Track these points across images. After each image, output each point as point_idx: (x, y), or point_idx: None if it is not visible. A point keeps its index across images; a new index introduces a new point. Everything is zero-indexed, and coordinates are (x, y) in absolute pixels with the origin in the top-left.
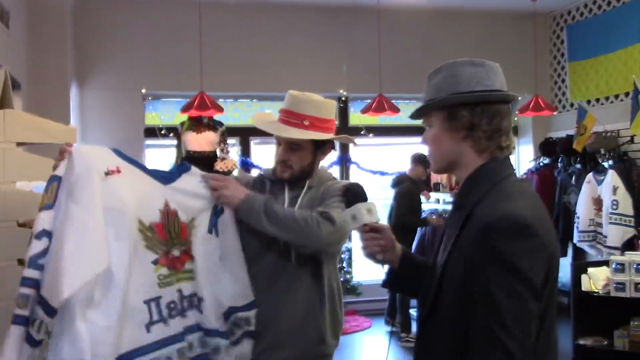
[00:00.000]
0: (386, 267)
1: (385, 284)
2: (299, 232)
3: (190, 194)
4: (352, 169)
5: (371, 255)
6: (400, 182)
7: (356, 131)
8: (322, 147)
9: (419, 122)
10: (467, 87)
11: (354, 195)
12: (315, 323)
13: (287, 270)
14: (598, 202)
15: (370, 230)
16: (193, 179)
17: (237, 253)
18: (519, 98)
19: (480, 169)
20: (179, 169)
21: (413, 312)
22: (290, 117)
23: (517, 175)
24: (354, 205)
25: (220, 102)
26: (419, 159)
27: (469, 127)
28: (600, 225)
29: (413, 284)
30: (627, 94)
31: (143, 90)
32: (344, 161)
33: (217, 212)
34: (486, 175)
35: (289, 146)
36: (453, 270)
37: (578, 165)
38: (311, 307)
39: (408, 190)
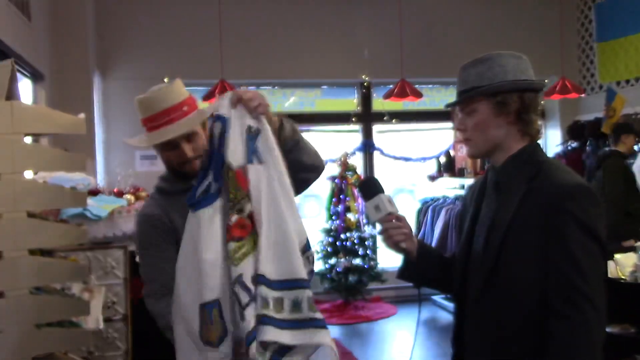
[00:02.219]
0: (401, 257)
1: (402, 274)
2: (321, 158)
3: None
4: (376, 155)
5: (396, 243)
6: (607, 158)
7: (379, 117)
8: (203, 122)
9: (442, 107)
10: (515, 75)
11: (374, 187)
12: None
13: None
14: None
15: (396, 219)
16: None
17: (287, 179)
18: (546, 81)
19: (525, 149)
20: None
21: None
22: (169, 114)
23: None
24: (372, 196)
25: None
26: (627, 128)
27: (522, 110)
28: None
29: (430, 274)
30: None
31: (165, 79)
32: (368, 147)
33: (251, 135)
34: (532, 155)
35: (187, 139)
36: (519, 242)
37: (607, 149)
38: None
39: (619, 167)
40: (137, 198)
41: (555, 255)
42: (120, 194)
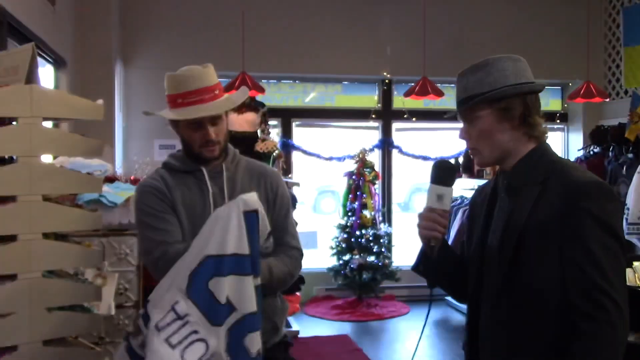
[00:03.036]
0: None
1: (417, 268)
2: (287, 284)
3: None
4: (394, 153)
5: (432, 238)
6: None
7: (399, 115)
8: (227, 112)
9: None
10: (515, 79)
11: (450, 177)
12: (270, 316)
13: None
14: None
15: (447, 217)
16: None
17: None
18: (570, 84)
19: (535, 150)
20: None
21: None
22: (201, 94)
23: None
24: (443, 184)
25: (263, 83)
26: None
27: (526, 113)
28: None
29: (445, 275)
30: None
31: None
32: (386, 145)
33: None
34: (542, 156)
35: (212, 122)
36: (536, 243)
37: (630, 155)
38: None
39: None
40: None
41: (575, 255)
42: (136, 182)
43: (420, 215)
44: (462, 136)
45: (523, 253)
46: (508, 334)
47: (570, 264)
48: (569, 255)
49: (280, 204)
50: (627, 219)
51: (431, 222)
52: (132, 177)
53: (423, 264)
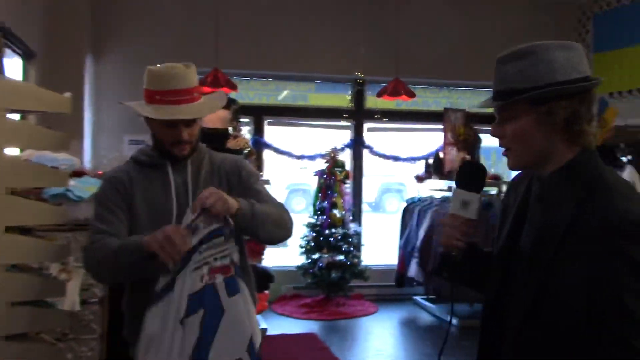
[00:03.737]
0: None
1: (439, 273)
2: (285, 229)
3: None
4: (365, 152)
5: (453, 247)
6: None
7: (371, 114)
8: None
9: (436, 107)
10: (565, 75)
11: (479, 182)
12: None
13: None
14: None
15: (473, 226)
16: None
17: None
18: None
19: (575, 161)
20: None
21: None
22: (180, 95)
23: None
24: (470, 189)
25: (235, 79)
26: None
27: (571, 119)
28: None
29: (471, 275)
30: None
31: (158, 65)
32: (357, 145)
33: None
34: (584, 168)
35: (186, 124)
36: (567, 274)
37: None
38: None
39: None
40: None
41: (607, 309)
42: None
43: (443, 221)
44: (494, 133)
45: (554, 288)
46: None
47: (601, 319)
48: (600, 308)
49: (246, 175)
50: None
51: (453, 230)
52: (100, 172)
53: (447, 269)
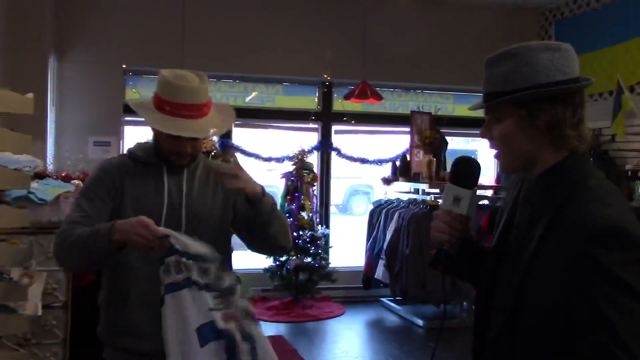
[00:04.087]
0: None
1: (434, 265)
2: (288, 239)
3: None
4: (333, 155)
5: (444, 243)
6: None
7: (339, 117)
8: None
9: (403, 110)
10: (548, 77)
11: (472, 179)
12: None
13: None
14: None
15: (465, 222)
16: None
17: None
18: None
19: (560, 165)
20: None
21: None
22: (191, 110)
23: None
24: (462, 186)
25: None
26: None
27: (553, 123)
28: None
29: (467, 270)
30: (610, 93)
31: (124, 65)
32: (325, 147)
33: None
34: (568, 173)
35: (191, 139)
36: (542, 280)
37: None
38: None
39: None
40: None
41: (585, 318)
42: (68, 179)
43: (435, 215)
44: (482, 134)
45: (530, 292)
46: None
47: (580, 328)
48: (577, 317)
49: None
50: None
51: (444, 225)
52: (63, 174)
53: (440, 262)
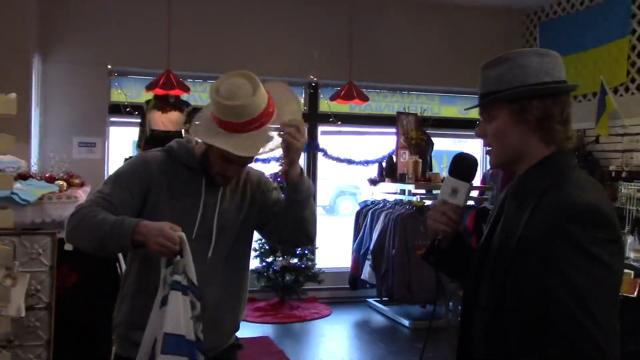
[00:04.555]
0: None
1: (427, 258)
2: (315, 228)
3: None
4: (319, 156)
5: (439, 232)
6: None
7: (325, 118)
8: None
9: (389, 111)
10: (537, 78)
11: (468, 172)
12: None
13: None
14: None
15: (460, 212)
16: None
17: None
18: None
19: (547, 159)
20: None
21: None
22: (245, 126)
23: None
24: (460, 178)
25: (188, 82)
26: None
27: (542, 118)
28: None
29: (456, 265)
30: (594, 94)
31: (109, 66)
32: (311, 148)
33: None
34: (553, 166)
35: (240, 163)
36: (523, 262)
37: None
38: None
39: None
40: (70, 185)
41: (555, 283)
42: (52, 180)
43: (433, 206)
44: (478, 133)
45: (512, 272)
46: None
47: (548, 294)
48: (548, 283)
49: (274, 193)
50: None
51: (441, 214)
52: (47, 175)
53: (434, 255)
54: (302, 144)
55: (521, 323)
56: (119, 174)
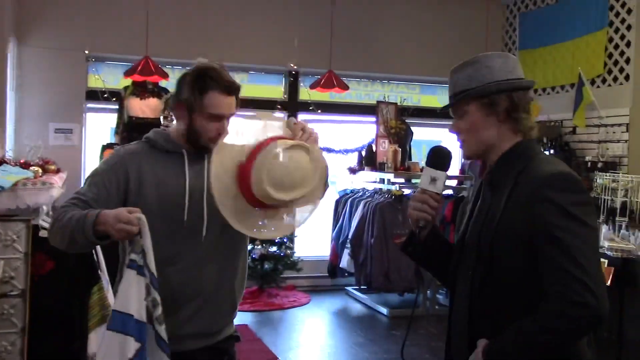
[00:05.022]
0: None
1: (406, 248)
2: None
3: None
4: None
5: (420, 220)
6: None
7: (305, 106)
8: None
9: (369, 100)
10: (503, 75)
11: (445, 161)
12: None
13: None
14: None
15: (439, 200)
16: None
17: None
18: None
19: (518, 145)
20: None
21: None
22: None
23: None
24: (437, 168)
25: (167, 68)
26: None
27: (511, 109)
28: None
29: (431, 260)
30: (572, 85)
31: (86, 51)
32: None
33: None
34: (524, 151)
35: (227, 118)
36: (508, 236)
37: None
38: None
39: None
40: (45, 171)
41: (543, 245)
42: (26, 166)
43: (413, 196)
44: (452, 129)
45: (498, 247)
46: (488, 326)
47: (541, 256)
48: (538, 247)
49: None
50: None
51: (421, 203)
52: (22, 161)
53: (412, 245)
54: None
55: (511, 297)
56: (94, 172)
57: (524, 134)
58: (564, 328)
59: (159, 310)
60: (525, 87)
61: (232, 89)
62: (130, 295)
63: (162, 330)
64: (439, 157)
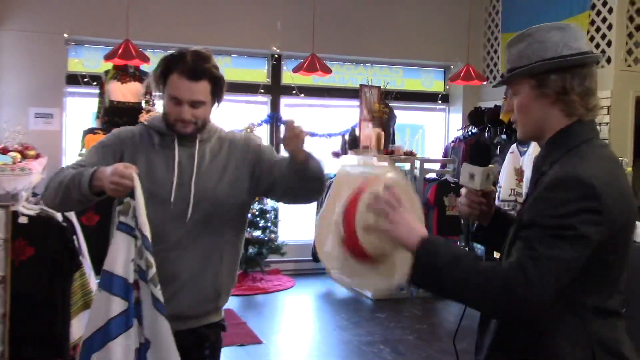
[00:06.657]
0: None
1: (473, 238)
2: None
3: None
4: (282, 128)
5: (469, 216)
6: None
7: (288, 90)
8: (219, 96)
9: (352, 84)
10: (555, 52)
11: (483, 158)
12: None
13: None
14: (520, 173)
15: (481, 195)
16: None
17: None
18: (452, 66)
19: (562, 131)
20: None
21: None
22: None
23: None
24: (475, 164)
25: (148, 52)
26: None
27: (561, 91)
28: (520, 195)
29: (498, 240)
30: None
31: (66, 35)
32: (274, 120)
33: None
34: (566, 138)
35: (192, 104)
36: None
37: (503, 136)
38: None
39: None
40: (25, 156)
41: (521, 235)
42: (5, 151)
43: (461, 195)
44: (507, 107)
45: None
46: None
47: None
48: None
49: (267, 151)
50: (498, 196)
51: (464, 198)
52: (0, 146)
53: (477, 234)
54: (301, 145)
55: None
56: (92, 147)
57: (579, 117)
58: (494, 293)
59: (153, 272)
60: (581, 64)
61: (197, 73)
62: (118, 255)
63: (157, 291)
64: (474, 153)
